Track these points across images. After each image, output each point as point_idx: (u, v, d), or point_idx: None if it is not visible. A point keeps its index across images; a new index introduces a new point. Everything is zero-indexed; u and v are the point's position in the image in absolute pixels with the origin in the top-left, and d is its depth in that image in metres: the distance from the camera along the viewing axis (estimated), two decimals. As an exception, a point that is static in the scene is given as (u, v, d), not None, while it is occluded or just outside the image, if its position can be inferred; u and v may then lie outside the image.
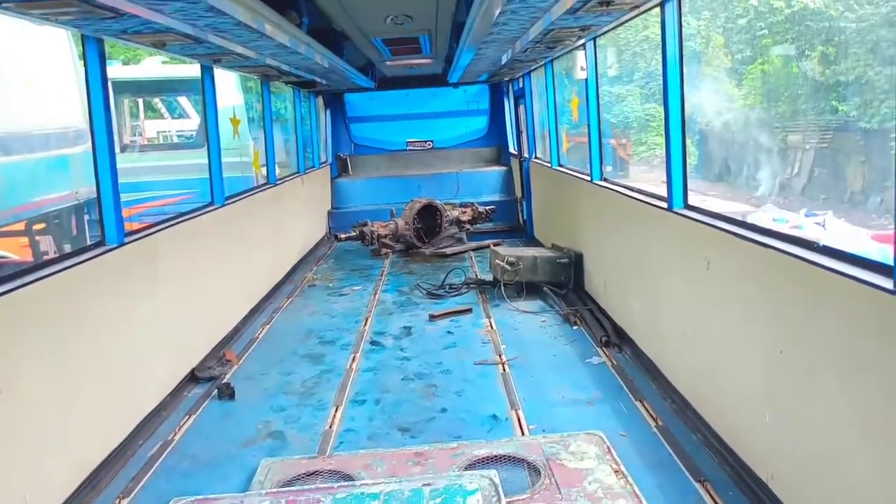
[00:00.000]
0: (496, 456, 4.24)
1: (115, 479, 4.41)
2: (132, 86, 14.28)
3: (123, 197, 5.26)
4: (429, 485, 3.76)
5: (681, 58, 5.02)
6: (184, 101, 17.55)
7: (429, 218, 11.24)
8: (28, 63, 10.07)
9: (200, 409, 5.43)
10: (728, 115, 20.12)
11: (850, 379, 3.02)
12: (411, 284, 8.98)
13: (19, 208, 9.89)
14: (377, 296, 8.58)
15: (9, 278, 3.96)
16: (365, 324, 7.42)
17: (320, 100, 13.53)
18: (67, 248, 10.15)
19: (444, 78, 11.78)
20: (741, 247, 3.98)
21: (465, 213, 11.51)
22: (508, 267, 7.95)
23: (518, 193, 12.76)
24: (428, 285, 8.72)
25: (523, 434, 4.69)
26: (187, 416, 5.30)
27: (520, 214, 12.60)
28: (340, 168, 14.08)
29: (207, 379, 5.98)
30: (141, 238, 5.44)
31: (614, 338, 6.32)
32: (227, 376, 6.04)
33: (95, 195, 5.19)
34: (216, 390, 5.67)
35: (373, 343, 6.79)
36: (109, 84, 5.19)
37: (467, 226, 11.54)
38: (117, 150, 5.47)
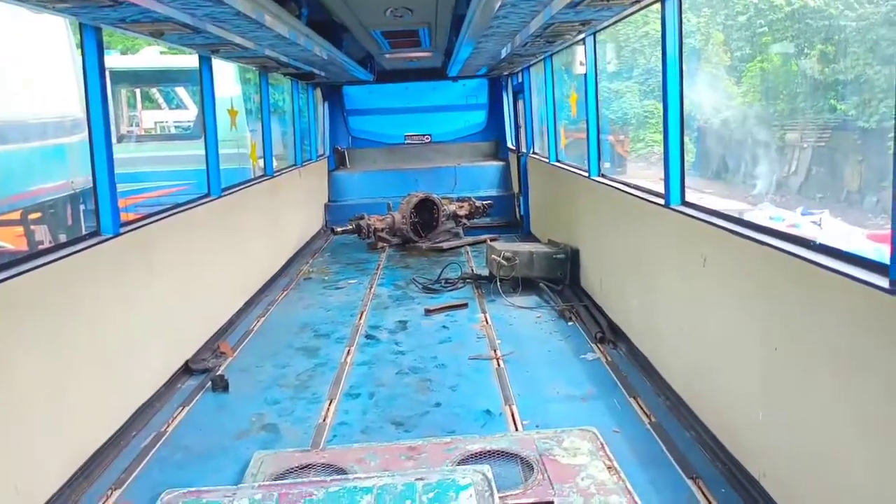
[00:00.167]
0: (489, 451, 4.24)
1: (108, 470, 4.40)
2: (130, 76, 14.21)
3: (119, 187, 5.23)
4: (422, 479, 3.75)
5: (680, 54, 5.00)
6: (181, 91, 17.47)
7: (426, 212, 11.22)
8: (25, 51, 10.02)
9: (194, 401, 5.42)
10: (726, 112, 20.12)
11: (845, 377, 3.02)
12: (407, 279, 8.97)
13: (14, 197, 9.84)
14: (373, 289, 8.58)
15: (3, 267, 3.94)
16: (360, 317, 7.42)
17: (318, 92, 13.48)
18: (63, 237, 10.12)
19: (444, 71, 11.76)
20: (738, 244, 3.97)
21: (462, 207, 11.50)
22: (505, 262, 7.94)
23: (515, 188, 12.75)
24: (424, 280, 8.72)
25: (517, 429, 4.69)
26: (181, 408, 5.29)
27: (517, 209, 12.59)
28: (338, 161, 14.05)
29: (201, 371, 5.97)
30: (136, 228, 5.42)
31: (609, 334, 6.32)
32: (222, 368, 6.03)
33: (91, 185, 5.17)
34: (210, 382, 5.66)
35: (368, 337, 6.78)
36: (107, 73, 5.16)
37: (464, 220, 11.52)
38: (114, 140, 5.43)
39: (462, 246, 10.96)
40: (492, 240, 10.05)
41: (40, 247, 9.51)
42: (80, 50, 5.01)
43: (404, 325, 7.09)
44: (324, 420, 4.97)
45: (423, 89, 13.78)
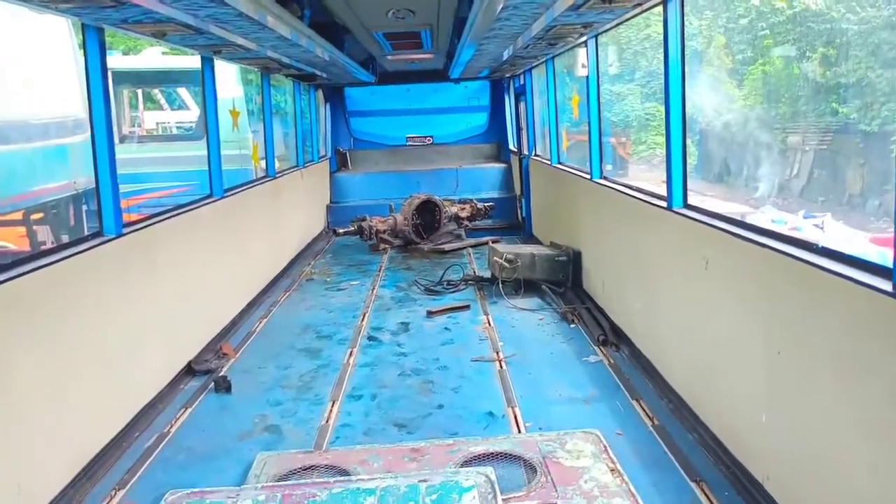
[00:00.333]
0: (492, 453, 4.24)
1: (111, 471, 4.40)
2: (132, 76, 14.21)
3: (122, 188, 5.24)
4: (425, 481, 3.76)
5: (682, 57, 5.01)
6: (183, 92, 17.48)
7: (428, 214, 11.23)
8: (28, 52, 10.03)
9: (197, 402, 5.42)
10: (728, 115, 20.12)
11: (848, 381, 3.02)
12: (409, 280, 8.97)
13: (17, 197, 9.84)
14: (375, 291, 8.58)
15: (6, 268, 3.95)
16: (362, 319, 7.42)
17: (320, 93, 13.49)
18: (65, 238, 10.13)
19: (445, 73, 11.76)
20: (740, 247, 3.97)
21: (464, 209, 11.50)
22: (507, 264, 7.94)
23: (517, 190, 12.76)
24: (426, 281, 8.72)
25: (520, 431, 4.69)
26: (184, 409, 5.29)
27: (519, 212, 12.59)
28: (340, 162, 14.06)
29: (204, 372, 5.97)
30: (139, 229, 5.42)
31: (612, 336, 6.32)
32: (224, 369, 6.04)
33: (94, 185, 5.17)
34: (213, 383, 5.66)
35: (370, 338, 6.78)
36: (109, 74, 5.16)
37: (466, 222, 11.53)
38: (116, 140, 5.44)
39: (464, 248, 10.96)
40: (494, 242, 10.05)
41: (43, 247, 9.52)
42: (82, 50, 5.02)
43: (406, 327, 7.09)
44: (326, 421, 4.97)
45: (424, 91, 13.78)
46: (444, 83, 13.26)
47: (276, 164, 9.97)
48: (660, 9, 5.12)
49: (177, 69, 14.01)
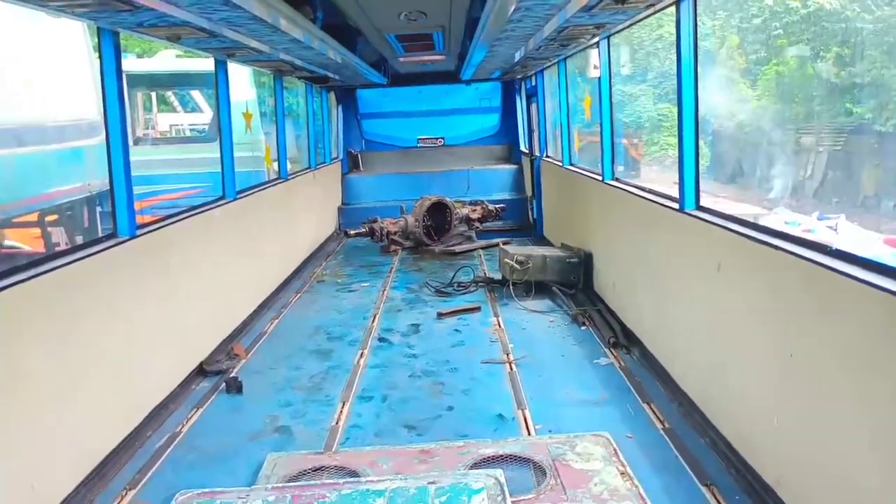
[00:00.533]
0: (502, 455, 4.24)
1: (123, 471, 4.43)
2: (146, 79, 14.32)
3: (135, 190, 5.28)
4: (434, 483, 3.76)
5: (695, 57, 4.99)
6: (197, 94, 17.60)
7: (439, 215, 11.23)
8: (44, 55, 10.12)
9: (208, 403, 5.45)
10: (741, 115, 20.00)
11: (862, 384, 2.99)
12: (420, 282, 8.98)
13: (32, 199, 9.94)
14: (386, 293, 8.59)
15: (21, 269, 3.99)
16: (373, 320, 7.43)
17: (332, 95, 13.53)
18: (79, 239, 10.21)
19: (457, 75, 11.76)
20: (753, 249, 3.95)
21: (475, 211, 11.50)
22: (517, 266, 7.94)
23: (528, 192, 12.74)
24: (437, 283, 8.72)
25: (530, 434, 4.68)
26: (195, 409, 5.32)
27: (530, 213, 12.57)
28: (351, 164, 14.09)
29: (215, 372, 6.00)
30: (152, 231, 5.46)
31: (622, 339, 6.30)
32: (235, 370, 6.07)
33: (108, 187, 5.21)
34: (224, 384, 5.69)
35: (380, 340, 6.79)
36: (124, 77, 5.21)
37: (477, 224, 11.52)
38: (130, 142, 5.48)
39: (475, 249, 10.96)
40: (505, 243, 10.03)
41: (57, 249, 9.60)
42: (97, 53, 5.06)
43: (417, 329, 7.09)
44: (337, 423, 4.98)
45: (436, 93, 13.79)
46: (456, 85, 13.26)
47: (289, 166, 10.01)
48: (672, 9, 5.10)
49: (190, 72, 14.10)
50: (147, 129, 16.09)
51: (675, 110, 5.25)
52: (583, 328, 6.83)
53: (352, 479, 3.96)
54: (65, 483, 4.00)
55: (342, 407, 5.25)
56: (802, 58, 19.01)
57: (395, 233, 10.94)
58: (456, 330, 7.01)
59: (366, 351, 6.47)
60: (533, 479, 4.00)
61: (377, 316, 7.60)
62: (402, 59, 9.65)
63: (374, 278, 9.39)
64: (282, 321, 7.62)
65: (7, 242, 10.00)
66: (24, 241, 10.15)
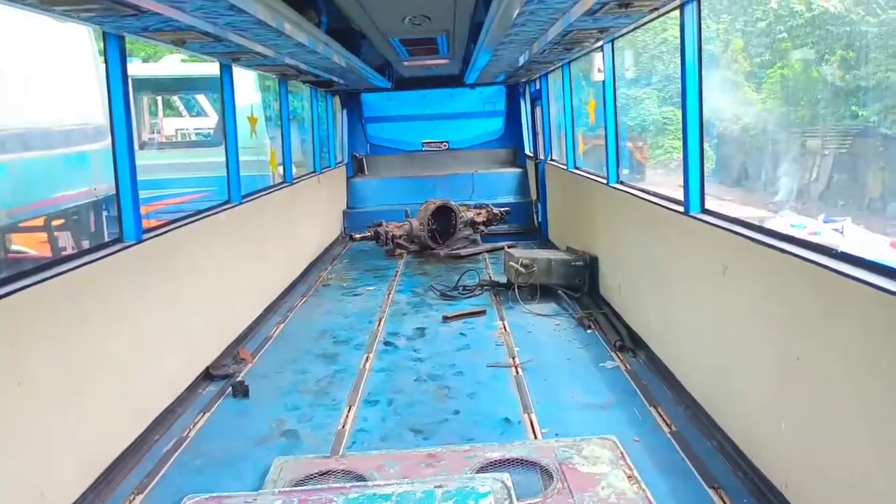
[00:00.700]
0: (509, 459, 4.23)
1: (130, 475, 4.44)
2: (151, 83, 14.38)
3: (141, 194, 5.29)
4: (441, 487, 3.75)
5: (700, 61, 4.99)
6: (202, 99, 17.66)
7: (443, 219, 11.24)
8: (49, 60, 10.17)
9: (215, 407, 5.46)
10: (746, 118, 19.97)
11: (869, 387, 2.98)
12: (425, 285, 8.98)
13: (38, 204, 9.98)
14: (391, 296, 8.59)
15: (27, 274, 4.00)
16: (378, 324, 7.43)
17: (337, 99, 13.56)
18: (86, 244, 10.24)
19: (461, 79, 11.78)
20: (759, 252, 3.94)
21: (479, 214, 11.50)
22: (523, 269, 7.93)
23: (533, 195, 12.73)
24: (442, 286, 8.72)
25: (536, 437, 4.67)
26: (202, 414, 5.33)
27: (535, 216, 12.57)
28: (356, 168, 14.11)
29: (222, 377, 6.01)
30: (158, 235, 5.48)
31: (628, 342, 6.28)
32: (242, 374, 6.07)
33: (114, 192, 5.23)
34: (230, 388, 5.70)
35: (386, 343, 6.80)
36: (129, 81, 5.23)
37: (482, 227, 11.52)
38: (136, 147, 5.50)
39: (480, 253, 10.96)
40: (510, 247, 10.05)
41: (63, 253, 9.63)
42: (103, 58, 5.09)
43: (422, 332, 7.09)
44: (343, 426, 4.98)
45: (440, 96, 13.81)
46: (460, 88, 13.28)
47: (294, 170, 10.04)
48: (676, 13, 5.10)
49: (196, 76, 14.16)
50: (153, 133, 16.15)
51: (679, 113, 5.25)
52: (588, 331, 6.82)
53: (359, 483, 3.95)
54: (73, 488, 4.00)
55: (348, 411, 5.25)
56: (807, 61, 18.98)
57: (400, 236, 10.95)
58: (461, 334, 7.01)
59: (371, 355, 6.48)
60: (540, 483, 4.00)
61: (383, 320, 7.60)
62: (406, 63, 9.67)
63: (380, 282, 9.40)
64: (287, 325, 7.63)
65: (13, 247, 10.04)
66: (30, 246, 10.19)
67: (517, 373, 5.86)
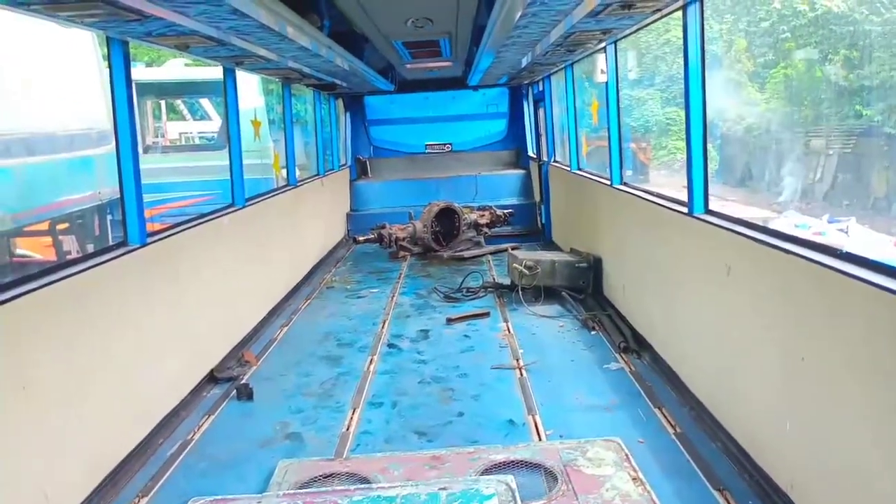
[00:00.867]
0: (513, 461, 4.23)
1: (135, 478, 4.45)
2: (155, 87, 14.44)
3: (145, 198, 5.31)
4: (445, 489, 3.75)
5: (703, 61, 4.98)
6: (205, 102, 17.71)
7: (447, 221, 11.25)
8: (53, 65, 10.21)
9: (219, 410, 5.47)
10: (750, 119, 19.94)
11: (874, 388, 2.97)
12: (429, 287, 8.98)
13: (43, 208, 10.01)
14: (395, 298, 8.60)
15: (32, 278, 4.02)
16: (382, 326, 7.44)
17: (340, 102, 13.59)
18: (90, 248, 10.27)
19: (464, 81, 11.79)
20: (763, 253, 3.94)
21: (483, 216, 11.50)
22: (526, 271, 7.93)
23: (537, 197, 12.73)
24: (445, 289, 8.72)
25: (540, 439, 4.67)
26: (206, 416, 5.34)
27: (538, 218, 12.57)
28: (360, 170, 14.13)
29: (226, 379, 6.02)
30: (163, 238, 5.49)
31: (633, 344, 6.28)
32: (246, 377, 6.08)
33: (118, 196, 5.24)
34: (235, 391, 5.71)
35: (390, 346, 6.80)
36: (133, 86, 5.25)
37: (485, 229, 11.52)
38: (140, 151, 5.52)
39: (483, 255, 10.96)
40: (513, 249, 10.04)
41: (68, 257, 9.66)
42: (107, 63, 5.11)
43: (426, 334, 7.10)
44: (347, 429, 4.99)
45: (443, 99, 13.83)
46: (463, 90, 13.29)
47: (297, 173, 10.05)
48: (679, 14, 5.10)
49: (199, 80, 14.20)
50: (157, 137, 16.20)
51: (682, 114, 5.24)
52: (593, 333, 6.81)
53: (363, 486, 3.95)
54: (78, 490, 4.01)
55: (352, 413, 5.25)
56: (811, 61, 18.95)
57: (403, 239, 10.96)
58: (465, 336, 7.01)
59: (375, 357, 6.48)
60: (544, 485, 3.99)
61: (386, 322, 7.61)
62: (409, 66, 9.69)
63: (383, 284, 9.40)
64: (291, 328, 7.64)
65: (18, 251, 10.07)
66: (35, 250, 10.23)
67: (521, 374, 5.86)
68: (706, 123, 5.06)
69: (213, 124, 17.27)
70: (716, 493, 3.93)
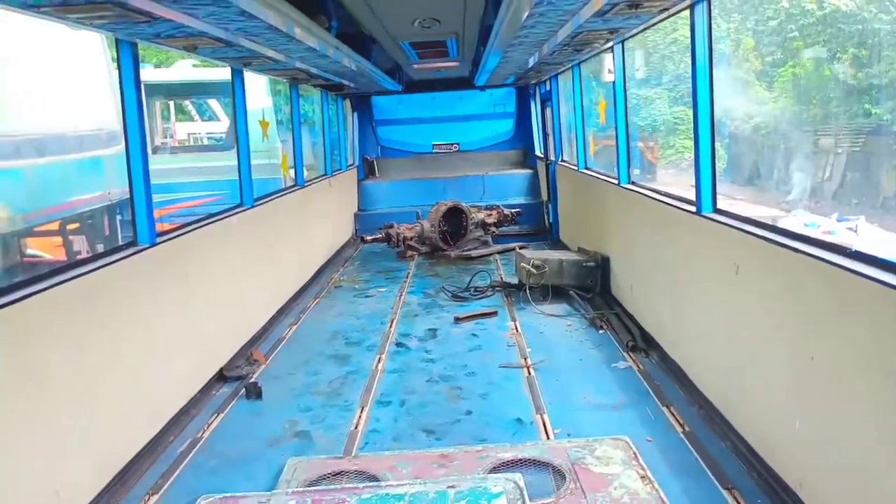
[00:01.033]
0: (521, 459, 4.23)
1: (145, 476, 4.48)
2: (163, 88, 14.49)
3: (154, 198, 5.34)
4: (453, 487, 3.76)
5: (710, 60, 4.98)
6: (214, 103, 17.76)
7: (454, 220, 11.25)
8: (63, 66, 10.27)
9: (228, 408, 5.50)
10: (758, 118, 19.87)
11: (883, 386, 2.97)
12: (437, 287, 9.00)
13: (53, 208, 10.07)
14: (403, 298, 8.61)
15: (43, 277, 4.05)
16: (390, 325, 7.46)
17: (348, 103, 13.61)
18: (100, 247, 10.33)
19: (471, 81, 11.80)
20: (771, 251, 3.93)
21: (490, 215, 11.51)
22: (534, 270, 7.93)
23: (544, 196, 12.73)
24: (453, 288, 8.73)
25: (548, 438, 4.68)
26: (215, 415, 5.37)
27: (546, 217, 12.56)
28: (367, 170, 14.16)
29: (235, 378, 6.05)
30: (172, 238, 5.52)
31: (641, 342, 6.27)
32: (255, 376, 6.11)
33: (127, 196, 5.28)
34: (244, 389, 5.73)
35: (398, 345, 6.81)
36: (142, 87, 5.27)
37: (493, 228, 11.53)
38: (149, 151, 5.55)
39: (491, 254, 10.96)
40: (521, 248, 10.05)
41: (78, 257, 9.72)
42: (116, 64, 5.14)
43: (434, 333, 7.11)
44: (356, 427, 5.01)
45: (450, 99, 13.83)
46: (470, 90, 13.30)
47: (305, 174, 10.08)
48: (687, 13, 5.09)
49: (207, 81, 14.25)
50: (165, 138, 16.27)
51: (690, 113, 5.24)
52: (601, 332, 6.81)
53: (371, 484, 3.97)
54: (88, 489, 4.04)
55: (361, 412, 5.27)
56: (819, 59, 18.86)
57: (411, 238, 10.98)
58: (473, 334, 7.02)
59: (383, 356, 6.50)
60: (552, 484, 4.00)
61: (394, 321, 7.62)
62: (416, 66, 9.70)
63: (391, 283, 9.42)
64: (300, 327, 7.66)
65: (29, 251, 10.13)
66: (45, 250, 10.28)
67: (529, 373, 5.86)
68: (714, 122, 5.05)
69: (222, 125, 17.33)
70: (724, 492, 3.93)
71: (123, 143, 5.16)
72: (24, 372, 3.63)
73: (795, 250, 3.68)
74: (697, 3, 4.90)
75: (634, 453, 4.24)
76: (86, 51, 10.82)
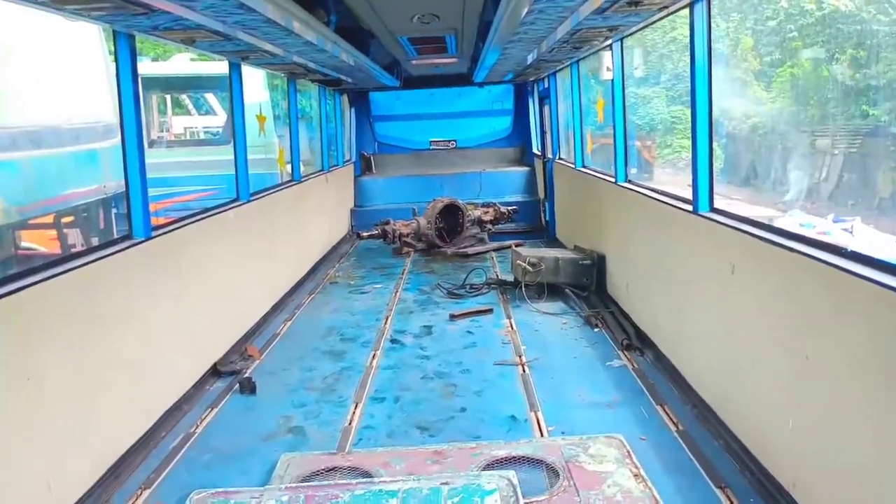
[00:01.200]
0: (515, 457, 4.24)
1: (138, 470, 4.47)
2: (160, 82, 14.45)
3: (150, 192, 5.32)
4: (447, 484, 3.76)
5: (709, 60, 4.97)
6: (211, 97, 17.71)
7: (451, 217, 11.25)
8: (59, 58, 10.22)
9: (222, 403, 5.49)
10: (756, 117, 19.88)
11: (878, 387, 2.97)
12: (432, 284, 8.99)
13: (48, 201, 10.03)
14: (398, 294, 8.61)
15: (37, 270, 4.03)
16: (385, 322, 7.45)
17: (345, 98, 13.59)
18: (95, 241, 10.29)
19: (470, 77, 11.78)
20: (767, 251, 3.93)
21: (487, 213, 11.50)
22: (530, 268, 7.93)
23: (541, 194, 12.73)
24: (449, 285, 8.73)
25: (542, 435, 4.68)
26: (209, 410, 5.36)
27: (542, 215, 12.56)
28: (364, 166, 14.14)
29: (229, 373, 6.03)
30: (167, 232, 5.51)
31: (636, 341, 6.28)
32: (249, 371, 6.10)
33: (123, 189, 5.26)
34: (238, 384, 5.72)
35: (393, 341, 6.81)
36: (139, 80, 5.25)
37: (489, 226, 11.53)
38: (145, 145, 5.53)
39: (487, 251, 10.96)
40: (517, 245, 10.04)
41: (73, 250, 9.68)
42: (113, 57, 5.12)
43: (429, 330, 7.10)
44: (350, 423, 5.00)
45: (448, 95, 13.82)
46: (468, 87, 13.28)
47: (302, 169, 10.06)
48: (686, 11, 5.09)
49: (204, 75, 14.20)
50: (162, 131, 16.22)
51: (688, 112, 5.23)
52: (596, 330, 6.81)
53: (365, 480, 3.97)
54: (80, 482, 4.03)
55: (355, 408, 5.26)
56: (817, 60, 18.87)
57: (407, 235, 10.96)
58: (468, 332, 7.01)
59: (378, 352, 6.49)
60: (546, 481, 4.00)
61: (390, 317, 7.62)
62: (414, 62, 9.67)
63: (387, 280, 9.41)
64: (295, 322, 7.65)
65: (23, 244, 10.09)
66: (40, 243, 10.24)
67: (524, 371, 5.86)
68: (712, 122, 5.05)
69: (218, 119, 17.27)
70: (717, 491, 3.94)
71: (119, 136, 5.14)
72: (19, 363, 3.61)
73: (791, 250, 3.68)
74: (697, 1, 4.90)
75: (628, 451, 4.24)
76: (83, 43, 10.77)
